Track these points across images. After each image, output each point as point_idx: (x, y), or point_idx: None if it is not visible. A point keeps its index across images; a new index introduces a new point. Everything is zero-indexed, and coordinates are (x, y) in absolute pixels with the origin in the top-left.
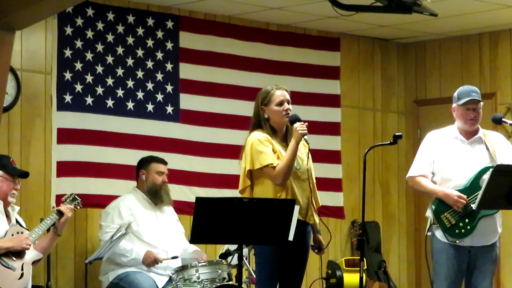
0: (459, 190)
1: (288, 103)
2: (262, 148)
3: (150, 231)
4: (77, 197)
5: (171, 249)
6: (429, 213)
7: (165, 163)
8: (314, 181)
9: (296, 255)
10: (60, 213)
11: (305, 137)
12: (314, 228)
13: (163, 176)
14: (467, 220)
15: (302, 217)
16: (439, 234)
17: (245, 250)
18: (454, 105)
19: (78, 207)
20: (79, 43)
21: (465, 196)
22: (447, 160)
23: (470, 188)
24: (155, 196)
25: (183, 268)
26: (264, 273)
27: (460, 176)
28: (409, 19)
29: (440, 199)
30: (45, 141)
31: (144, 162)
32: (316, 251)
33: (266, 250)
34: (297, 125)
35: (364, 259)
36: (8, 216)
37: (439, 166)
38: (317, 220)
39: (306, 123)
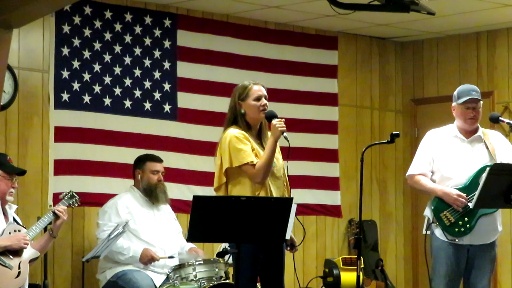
0: (458, 189)
1: (266, 99)
2: (241, 145)
3: (147, 229)
4: (75, 195)
5: (168, 247)
6: (427, 212)
7: (160, 161)
8: (288, 179)
9: (274, 254)
10: (56, 215)
11: (285, 134)
12: None
13: (158, 175)
14: (466, 218)
15: None
16: (438, 232)
17: None
18: (454, 104)
19: (76, 205)
20: (76, 41)
21: (464, 195)
22: (447, 159)
23: (470, 187)
24: (151, 195)
25: (180, 266)
26: (245, 272)
27: (459, 175)
28: (406, 18)
29: (439, 197)
30: (42, 139)
31: (139, 162)
32: (288, 248)
33: (248, 248)
34: (275, 121)
35: (361, 257)
36: (5, 214)
37: (438, 164)
38: None
39: (283, 119)
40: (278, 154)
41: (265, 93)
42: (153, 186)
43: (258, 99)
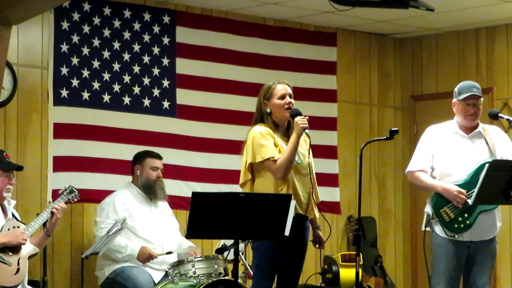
0: (458, 185)
1: (290, 97)
2: (263, 141)
3: (145, 226)
4: (74, 189)
5: (166, 243)
6: (427, 208)
7: (160, 158)
8: (315, 176)
9: (295, 250)
10: (51, 213)
11: (306, 131)
12: (313, 224)
13: (157, 171)
14: (466, 214)
15: (302, 211)
16: (438, 229)
17: (241, 245)
18: (454, 100)
19: (75, 200)
20: (75, 38)
21: (464, 191)
22: (447, 155)
23: (470, 183)
24: (149, 191)
25: (179, 263)
26: (262, 267)
27: (460, 171)
28: (405, 14)
29: (439, 193)
30: (41, 136)
31: (139, 157)
32: (317, 246)
33: (265, 244)
34: (297, 119)
35: (360, 254)
36: (4, 210)
37: (438, 161)
38: (317, 215)
39: (307, 117)
40: (306, 152)
41: (289, 91)
42: (151, 182)
43: (282, 97)
